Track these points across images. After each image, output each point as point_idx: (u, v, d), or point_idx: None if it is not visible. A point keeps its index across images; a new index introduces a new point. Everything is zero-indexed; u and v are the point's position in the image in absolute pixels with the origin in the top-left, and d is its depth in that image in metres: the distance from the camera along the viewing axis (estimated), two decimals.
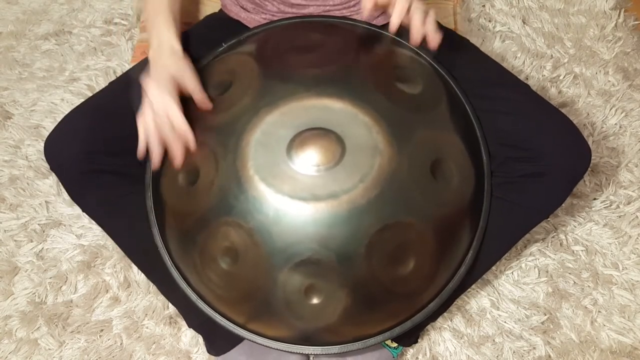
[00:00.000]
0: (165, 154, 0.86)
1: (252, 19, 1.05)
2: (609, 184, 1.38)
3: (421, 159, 0.81)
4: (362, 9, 0.86)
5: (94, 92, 1.04)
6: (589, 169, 1.33)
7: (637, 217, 1.34)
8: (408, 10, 0.83)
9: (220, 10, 1.12)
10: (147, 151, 0.85)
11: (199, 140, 0.84)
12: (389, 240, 0.80)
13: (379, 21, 1.02)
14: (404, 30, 0.84)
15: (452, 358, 1.19)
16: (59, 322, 1.22)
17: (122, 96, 0.90)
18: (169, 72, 0.86)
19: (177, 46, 0.91)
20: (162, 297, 1.22)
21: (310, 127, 0.79)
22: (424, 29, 0.84)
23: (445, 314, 1.21)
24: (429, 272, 0.88)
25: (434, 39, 0.84)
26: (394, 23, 0.83)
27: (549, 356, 1.19)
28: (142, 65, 0.94)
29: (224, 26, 1.06)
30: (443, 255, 0.88)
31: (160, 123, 0.83)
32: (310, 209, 0.77)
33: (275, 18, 1.02)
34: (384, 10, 0.87)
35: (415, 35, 0.83)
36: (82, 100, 1.00)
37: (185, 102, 0.88)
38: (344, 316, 0.84)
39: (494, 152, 0.93)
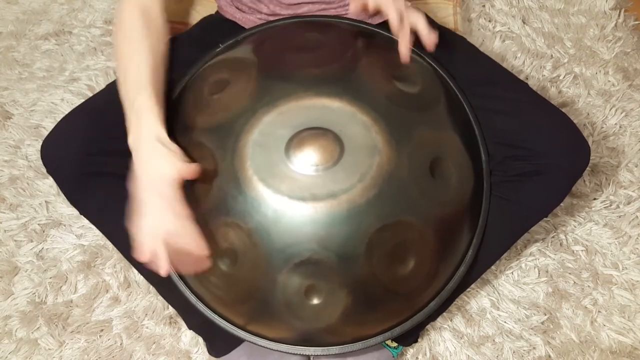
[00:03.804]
0: None
1: (247, 19, 1.05)
2: (609, 184, 1.38)
3: (420, 158, 0.81)
4: (349, 10, 0.86)
5: (94, 92, 1.03)
6: (589, 168, 1.33)
7: (637, 217, 1.34)
8: (402, 18, 0.84)
9: (217, 11, 1.12)
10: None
11: (197, 141, 0.84)
12: (389, 239, 0.80)
13: (376, 20, 1.02)
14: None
15: (452, 358, 1.19)
16: (59, 322, 1.22)
17: (119, 99, 0.89)
18: (168, 180, 0.77)
19: (161, 134, 0.81)
20: (162, 297, 1.22)
21: (308, 127, 0.79)
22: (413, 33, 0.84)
23: (445, 314, 1.21)
24: (429, 271, 0.88)
25: (430, 43, 0.85)
26: (394, 30, 0.85)
27: (549, 356, 1.19)
28: None
29: (220, 27, 1.06)
30: (443, 255, 0.88)
31: (172, 246, 0.78)
32: (309, 209, 0.77)
33: (271, 18, 1.02)
34: (372, 14, 0.87)
35: (404, 51, 0.85)
36: (82, 100, 0.99)
37: (184, 102, 0.88)
38: (344, 316, 0.84)
39: (493, 151, 0.93)
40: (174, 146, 0.80)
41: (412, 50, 0.91)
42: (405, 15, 0.84)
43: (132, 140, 0.82)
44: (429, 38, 0.85)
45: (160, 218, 0.77)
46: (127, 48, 0.90)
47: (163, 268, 0.78)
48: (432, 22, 1.10)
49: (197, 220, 0.79)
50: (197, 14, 1.22)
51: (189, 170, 0.79)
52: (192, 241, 0.78)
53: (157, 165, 0.78)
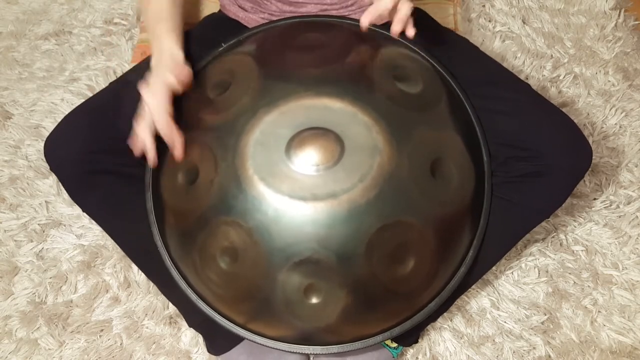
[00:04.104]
0: (163, 154, 0.86)
1: (250, 18, 1.05)
2: (609, 184, 1.38)
3: (421, 159, 0.81)
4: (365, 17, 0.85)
5: (94, 92, 1.04)
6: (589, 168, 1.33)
7: (637, 217, 1.34)
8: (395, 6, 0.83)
9: (220, 10, 1.12)
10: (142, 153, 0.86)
11: (198, 139, 0.84)
12: (389, 239, 0.80)
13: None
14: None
15: (452, 358, 1.19)
16: (59, 322, 1.22)
17: (121, 97, 0.90)
18: (163, 79, 0.86)
19: (177, 53, 0.90)
20: (162, 297, 1.22)
21: (309, 127, 0.79)
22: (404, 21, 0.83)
23: (445, 314, 1.21)
24: (429, 271, 0.87)
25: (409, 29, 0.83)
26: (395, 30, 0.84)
27: (549, 356, 1.19)
28: (142, 69, 0.93)
29: (222, 26, 1.06)
30: (443, 255, 0.88)
31: (157, 127, 0.84)
32: (309, 208, 0.77)
33: (274, 17, 1.02)
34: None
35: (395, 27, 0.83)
36: (82, 100, 1.00)
37: (186, 101, 0.88)
38: (344, 316, 0.84)
39: (495, 152, 0.93)
40: (187, 64, 0.90)
41: (413, 50, 0.92)
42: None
43: (153, 62, 0.90)
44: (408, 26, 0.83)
45: (162, 75, 0.86)
46: None
47: (150, 157, 0.85)
48: (432, 22, 1.10)
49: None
50: (200, 13, 1.22)
51: (184, 70, 0.88)
52: (162, 129, 0.84)
53: (164, 63, 0.88)
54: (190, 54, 0.93)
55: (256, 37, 0.97)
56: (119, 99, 0.90)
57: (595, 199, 1.37)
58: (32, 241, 1.32)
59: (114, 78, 1.43)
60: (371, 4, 0.83)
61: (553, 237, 1.32)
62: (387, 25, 0.86)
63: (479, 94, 0.95)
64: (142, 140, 0.85)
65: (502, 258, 1.11)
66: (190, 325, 1.11)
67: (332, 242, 0.78)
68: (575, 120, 0.95)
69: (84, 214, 0.98)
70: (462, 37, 1.10)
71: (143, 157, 0.87)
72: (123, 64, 1.57)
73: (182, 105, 0.89)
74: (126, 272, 1.27)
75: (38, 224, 1.33)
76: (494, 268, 1.27)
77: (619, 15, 1.65)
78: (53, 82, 1.55)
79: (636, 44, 1.61)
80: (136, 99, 0.87)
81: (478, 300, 1.25)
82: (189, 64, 0.90)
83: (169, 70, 0.87)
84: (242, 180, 0.79)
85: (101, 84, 1.52)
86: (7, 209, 1.36)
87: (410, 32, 0.83)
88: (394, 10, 0.82)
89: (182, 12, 0.98)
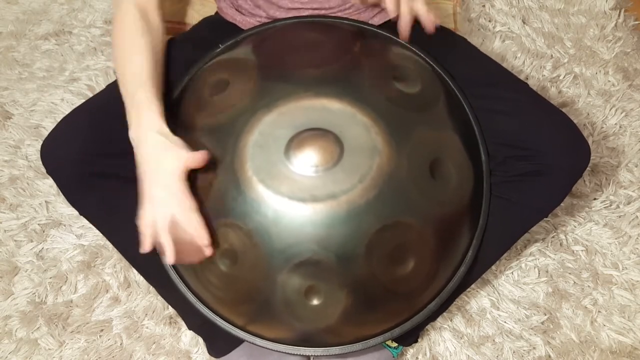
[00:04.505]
0: None
1: (247, 21, 1.05)
2: (609, 184, 1.38)
3: (420, 159, 0.81)
4: None
5: (94, 92, 1.03)
6: (589, 168, 1.33)
7: (637, 217, 1.34)
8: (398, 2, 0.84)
9: (216, 12, 1.12)
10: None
11: (197, 141, 0.84)
12: (389, 240, 0.80)
13: (376, 21, 1.02)
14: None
15: (452, 358, 1.19)
16: (59, 322, 1.22)
17: (119, 99, 0.89)
18: (174, 173, 0.78)
19: (163, 127, 0.81)
20: (162, 298, 1.22)
21: (308, 128, 0.79)
22: (413, 16, 0.84)
23: (445, 314, 1.21)
24: (429, 272, 0.88)
25: (429, 22, 0.85)
26: (390, 10, 0.85)
27: (549, 356, 1.19)
28: None
29: (219, 29, 1.06)
30: (443, 255, 0.88)
31: (177, 235, 0.79)
32: (309, 209, 0.77)
33: (270, 21, 1.02)
34: (376, 6, 0.87)
35: (404, 28, 0.84)
36: (83, 100, 0.99)
37: (185, 102, 0.88)
38: (344, 317, 0.84)
39: (493, 151, 0.93)
40: (175, 138, 0.81)
41: (411, 51, 0.91)
42: None
43: (133, 134, 0.82)
44: (428, 18, 0.85)
45: (165, 208, 0.78)
46: (125, 45, 0.91)
47: (169, 257, 0.79)
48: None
49: (203, 212, 0.80)
50: (197, 14, 1.22)
51: (195, 158, 0.79)
52: (195, 231, 0.79)
53: (160, 158, 0.79)
54: (187, 56, 0.93)
55: (254, 37, 0.97)
56: (117, 101, 0.90)
57: (595, 199, 1.37)
58: (32, 241, 1.32)
59: (114, 78, 1.41)
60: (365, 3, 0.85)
61: (553, 237, 1.32)
62: (386, 25, 0.86)
63: (478, 94, 0.95)
64: (152, 241, 0.80)
65: (501, 257, 1.11)
66: (190, 327, 1.11)
67: (331, 243, 0.78)
68: (575, 120, 0.95)
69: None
70: (462, 37, 1.10)
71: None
72: None
73: (180, 107, 0.89)
74: (126, 272, 1.27)
75: (38, 224, 1.33)
76: (493, 268, 1.27)
77: (619, 15, 1.65)
78: (53, 82, 1.55)
79: (636, 44, 1.61)
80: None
81: (478, 300, 1.25)
82: (180, 140, 0.81)
83: (170, 160, 0.78)
84: (241, 182, 0.79)
85: (101, 84, 1.52)
86: (7, 209, 1.36)
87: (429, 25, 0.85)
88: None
89: (162, 76, 0.91)
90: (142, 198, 0.80)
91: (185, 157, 0.78)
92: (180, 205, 0.78)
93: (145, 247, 0.80)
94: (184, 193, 0.78)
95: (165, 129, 0.81)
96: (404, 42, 0.93)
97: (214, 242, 0.80)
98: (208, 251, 0.80)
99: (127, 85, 0.87)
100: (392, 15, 0.84)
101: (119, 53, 0.92)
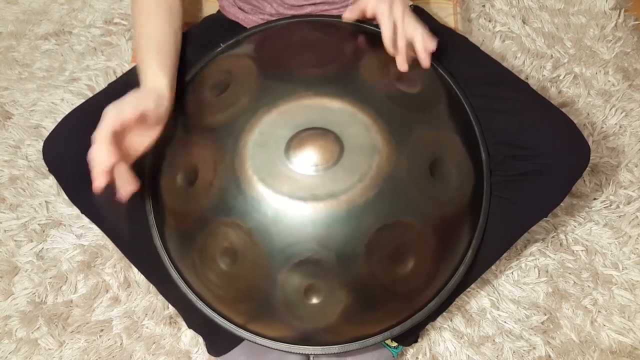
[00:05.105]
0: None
1: (249, 19, 1.05)
2: (609, 184, 1.38)
3: (420, 158, 0.81)
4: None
5: (94, 92, 1.04)
6: (589, 168, 1.33)
7: (637, 217, 1.34)
8: (396, 29, 0.85)
9: (219, 11, 1.12)
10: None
11: (197, 140, 0.84)
12: (388, 239, 0.80)
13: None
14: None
15: (452, 358, 1.19)
16: (59, 322, 1.22)
17: (121, 97, 0.89)
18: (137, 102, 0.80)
19: (164, 91, 0.85)
20: (162, 297, 1.21)
21: (308, 127, 0.79)
22: (409, 52, 0.86)
23: (445, 313, 1.21)
24: (429, 271, 0.88)
25: (424, 58, 0.87)
26: (387, 46, 0.86)
27: (549, 356, 1.19)
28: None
29: (221, 27, 1.06)
30: (442, 255, 0.88)
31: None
32: (309, 208, 0.77)
33: (273, 19, 1.02)
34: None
35: (401, 64, 0.86)
36: (82, 100, 0.99)
37: (185, 102, 0.88)
38: (344, 316, 0.84)
39: (493, 151, 0.93)
40: (144, 90, 0.84)
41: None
42: (401, 28, 0.85)
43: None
44: (424, 53, 0.86)
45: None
46: (140, 17, 0.94)
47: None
48: (432, 22, 1.10)
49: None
50: (200, 13, 1.22)
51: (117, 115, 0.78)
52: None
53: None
54: (189, 54, 0.93)
55: (255, 37, 0.97)
56: (118, 99, 0.90)
57: (595, 199, 1.37)
58: (32, 241, 1.32)
59: (114, 78, 1.43)
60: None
61: (553, 237, 1.32)
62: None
63: (479, 94, 0.95)
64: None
65: (501, 257, 1.11)
66: (190, 326, 1.11)
67: (331, 243, 0.78)
68: (575, 120, 0.95)
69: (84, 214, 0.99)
70: (462, 37, 1.10)
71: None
72: (123, 64, 1.57)
73: (180, 106, 0.89)
74: (126, 272, 1.27)
75: (38, 224, 1.33)
76: (493, 268, 1.27)
77: (619, 15, 1.65)
78: (53, 82, 1.55)
79: (636, 44, 1.61)
80: None
81: (478, 300, 1.25)
82: (168, 97, 0.85)
83: (145, 94, 0.82)
84: (241, 181, 0.79)
85: (101, 84, 1.52)
86: (7, 209, 1.36)
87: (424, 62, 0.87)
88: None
89: (174, 48, 0.93)
90: None
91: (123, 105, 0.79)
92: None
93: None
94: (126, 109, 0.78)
95: (166, 91, 0.85)
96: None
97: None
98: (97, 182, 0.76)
99: (138, 56, 0.91)
100: (386, 44, 0.86)
101: (134, 24, 0.95)
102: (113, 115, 0.77)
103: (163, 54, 0.90)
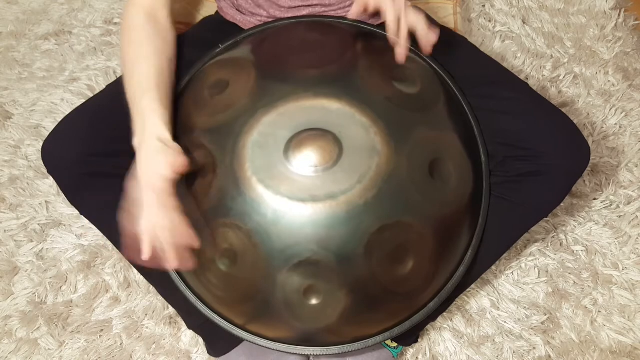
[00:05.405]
0: None
1: (248, 21, 1.05)
2: (609, 184, 1.38)
3: (419, 159, 0.81)
4: (350, 12, 0.88)
5: (94, 92, 1.03)
6: (589, 168, 1.33)
7: (637, 217, 1.34)
8: (399, 20, 0.84)
9: (217, 12, 1.12)
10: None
11: (196, 142, 0.84)
12: (388, 240, 0.80)
13: (376, 21, 1.02)
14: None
15: (452, 358, 1.19)
16: (59, 322, 1.22)
17: (120, 98, 0.89)
18: (162, 175, 0.78)
19: (164, 135, 0.82)
20: (162, 297, 1.22)
21: (307, 128, 0.79)
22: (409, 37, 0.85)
23: (445, 314, 1.21)
24: (428, 271, 0.88)
25: (427, 45, 0.86)
26: (391, 31, 0.85)
27: (549, 356, 1.19)
28: None
29: (220, 29, 1.06)
30: (442, 255, 0.88)
31: (166, 242, 0.79)
32: (308, 209, 0.77)
33: (271, 21, 1.02)
34: (372, 14, 0.88)
35: (400, 52, 0.85)
36: (83, 100, 0.99)
37: (184, 102, 0.88)
38: (344, 317, 0.84)
39: (493, 151, 0.93)
40: (173, 144, 0.81)
41: (411, 51, 0.91)
42: (404, 17, 0.84)
43: (136, 142, 0.83)
44: (427, 41, 0.85)
45: (157, 214, 0.78)
46: (132, 51, 0.91)
47: (170, 262, 0.78)
48: (432, 23, 1.10)
49: (188, 214, 0.80)
50: (198, 14, 1.22)
51: (179, 161, 0.79)
52: (183, 233, 0.79)
53: (154, 162, 0.79)
54: (188, 55, 0.93)
55: (254, 38, 0.97)
56: (118, 101, 0.90)
57: (595, 199, 1.37)
58: (32, 241, 1.32)
59: (114, 78, 1.43)
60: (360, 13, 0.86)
61: (553, 237, 1.32)
62: (383, 25, 0.86)
63: (478, 94, 0.95)
64: (151, 245, 0.79)
65: (501, 257, 1.11)
66: (190, 327, 1.11)
67: (331, 243, 0.78)
68: (575, 121, 0.95)
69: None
70: (462, 37, 1.10)
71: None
72: None
73: (179, 107, 0.89)
74: (126, 272, 1.27)
75: (38, 224, 1.33)
76: (493, 268, 1.27)
77: (619, 15, 1.65)
78: (53, 82, 1.55)
79: (636, 44, 1.61)
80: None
81: (478, 300, 1.25)
82: (178, 147, 0.82)
83: (161, 164, 0.78)
84: (240, 182, 0.79)
85: (101, 84, 1.52)
86: (7, 209, 1.36)
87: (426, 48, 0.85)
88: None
89: (171, 80, 0.91)
90: (134, 204, 0.80)
91: (172, 160, 0.78)
92: (167, 207, 0.78)
93: (146, 254, 0.79)
94: (170, 195, 0.78)
95: (166, 135, 0.82)
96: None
97: (212, 241, 0.80)
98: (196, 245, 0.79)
99: (133, 92, 0.87)
100: (390, 32, 0.85)
101: (125, 59, 0.91)
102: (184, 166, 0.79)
103: (163, 97, 0.87)
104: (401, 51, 0.85)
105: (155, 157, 0.79)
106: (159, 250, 0.78)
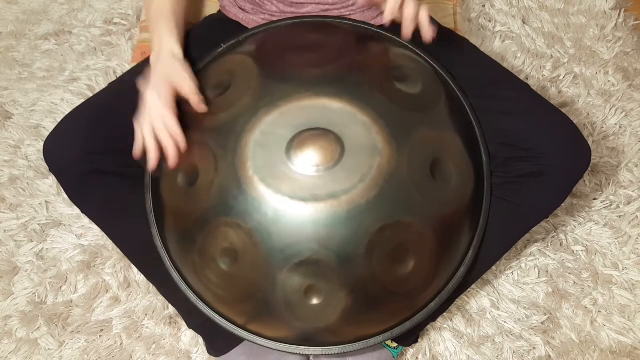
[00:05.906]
0: (162, 157, 0.86)
1: (250, 19, 1.05)
2: (609, 184, 1.38)
3: (420, 159, 0.81)
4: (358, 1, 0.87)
5: (94, 92, 1.04)
6: (589, 168, 1.33)
7: (637, 217, 1.34)
8: (401, 6, 0.83)
9: (219, 11, 1.12)
10: (144, 152, 0.86)
11: (198, 140, 0.84)
12: (389, 240, 0.80)
13: (378, 21, 1.02)
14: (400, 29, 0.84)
15: (452, 358, 1.19)
16: (59, 322, 1.22)
17: (121, 97, 0.90)
18: (167, 79, 0.86)
19: (177, 51, 0.91)
20: (162, 297, 1.21)
21: (309, 128, 0.79)
22: (416, 22, 0.83)
23: (445, 314, 1.21)
24: (429, 272, 0.88)
25: (428, 32, 0.84)
26: (386, 17, 0.82)
27: (549, 356, 1.19)
28: (141, 68, 0.93)
29: (222, 27, 1.06)
30: (443, 255, 0.88)
31: (157, 128, 0.84)
32: (309, 209, 0.77)
33: (274, 18, 1.02)
34: (378, 7, 0.87)
35: (406, 29, 0.83)
36: (83, 100, 0.99)
37: (184, 107, 0.88)
38: (344, 316, 0.84)
39: (494, 152, 0.93)
40: (185, 63, 0.90)
41: (412, 51, 0.92)
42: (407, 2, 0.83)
43: (153, 58, 0.91)
44: (428, 30, 0.84)
45: (156, 105, 0.85)
46: None
47: (164, 144, 0.84)
48: (432, 22, 1.10)
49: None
50: (201, 13, 1.22)
51: (188, 73, 0.88)
52: (173, 127, 0.84)
53: (166, 71, 0.88)
54: (190, 54, 0.93)
55: (256, 37, 0.97)
56: (119, 99, 0.90)
57: (595, 199, 1.37)
58: (32, 241, 1.31)
59: (114, 78, 1.43)
60: (369, 3, 0.84)
61: (553, 237, 1.32)
62: (388, 26, 0.86)
63: (479, 94, 0.95)
64: (143, 140, 0.85)
65: (501, 258, 1.11)
66: (190, 326, 1.11)
67: (332, 243, 0.78)
68: (575, 121, 0.95)
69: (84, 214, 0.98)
70: (462, 37, 1.10)
71: (142, 158, 0.86)
72: (123, 64, 1.57)
73: (181, 106, 0.89)
74: (126, 272, 1.27)
75: (38, 224, 1.33)
76: (493, 268, 1.27)
77: (619, 15, 1.65)
78: (53, 82, 1.55)
79: (636, 44, 1.61)
80: (136, 99, 0.86)
81: (478, 300, 1.25)
82: (188, 63, 0.90)
83: (170, 69, 0.87)
84: (242, 181, 0.79)
85: (101, 84, 1.52)
86: (7, 209, 1.36)
87: (427, 36, 0.84)
88: (401, 10, 0.82)
89: (185, 11, 0.99)
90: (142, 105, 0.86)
91: (184, 79, 0.87)
92: (164, 111, 0.84)
93: (137, 151, 0.85)
94: (170, 103, 0.85)
95: (179, 52, 0.91)
96: (405, 42, 0.93)
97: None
98: (182, 145, 0.84)
99: (152, 17, 0.96)
100: (387, 19, 0.83)
101: None
102: (192, 89, 0.86)
103: (178, 22, 0.95)
104: (408, 25, 0.83)
105: (168, 64, 0.89)
106: (152, 138, 0.84)
